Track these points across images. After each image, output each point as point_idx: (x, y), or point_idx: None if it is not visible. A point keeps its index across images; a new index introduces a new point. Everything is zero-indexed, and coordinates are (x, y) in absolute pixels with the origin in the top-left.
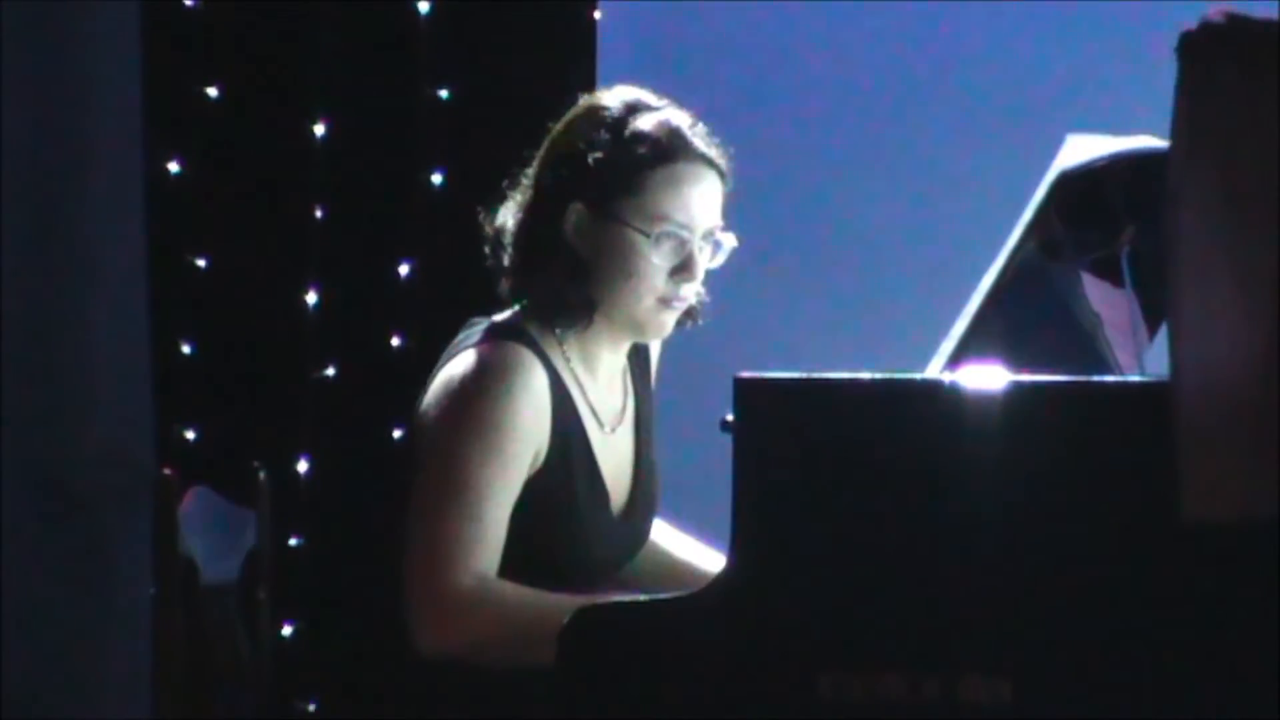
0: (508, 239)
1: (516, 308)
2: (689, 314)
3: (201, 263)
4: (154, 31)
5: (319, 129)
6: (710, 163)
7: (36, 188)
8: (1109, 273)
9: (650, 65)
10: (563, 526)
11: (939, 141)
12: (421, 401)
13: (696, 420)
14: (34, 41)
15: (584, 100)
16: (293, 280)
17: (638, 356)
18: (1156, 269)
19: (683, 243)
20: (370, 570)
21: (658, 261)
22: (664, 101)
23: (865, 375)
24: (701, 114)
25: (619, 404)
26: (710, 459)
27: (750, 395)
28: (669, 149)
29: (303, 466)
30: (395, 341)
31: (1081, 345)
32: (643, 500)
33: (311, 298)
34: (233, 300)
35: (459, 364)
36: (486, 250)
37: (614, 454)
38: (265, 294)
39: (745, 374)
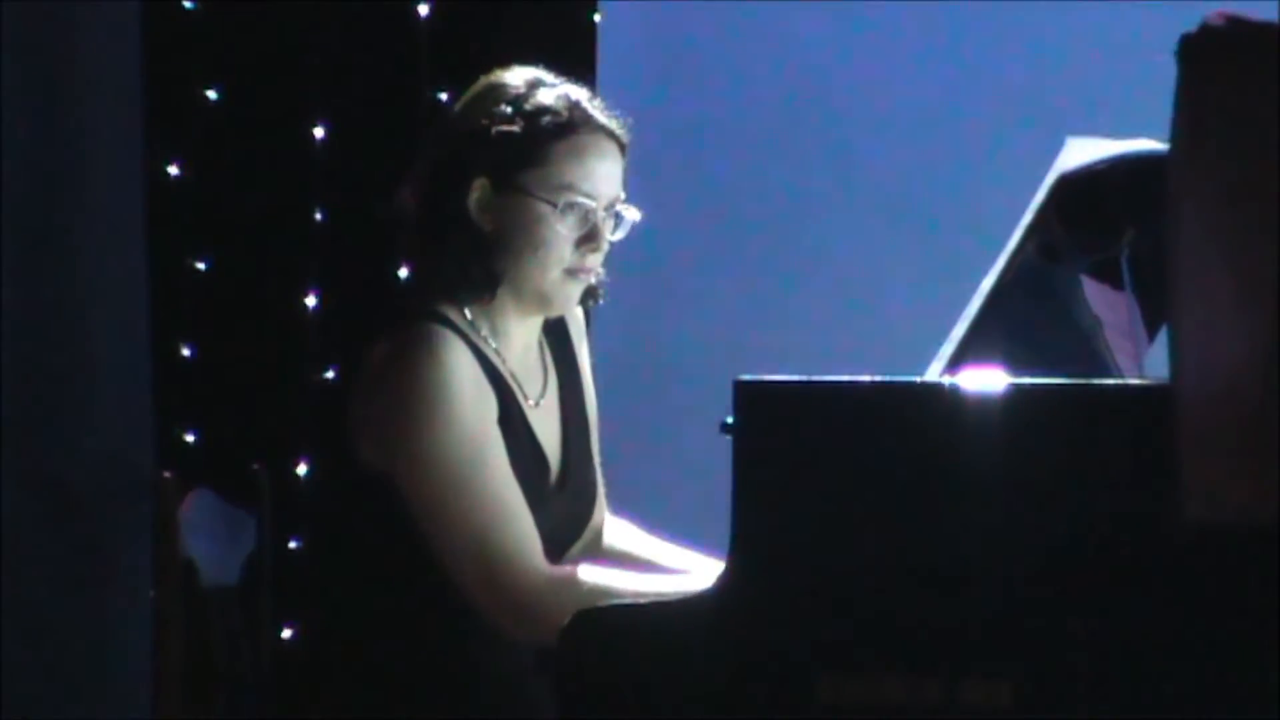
0: (408, 222)
1: (424, 290)
2: (591, 293)
3: (202, 265)
4: (154, 32)
5: (319, 130)
6: (611, 134)
7: (36, 189)
8: (1109, 276)
9: (650, 65)
10: None
11: (939, 143)
12: (365, 398)
13: (697, 422)
14: (34, 41)
15: (483, 80)
16: (293, 282)
17: (555, 336)
18: (1156, 272)
19: (588, 213)
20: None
21: (564, 232)
22: (562, 79)
23: (865, 378)
24: (701, 113)
25: (539, 378)
26: (710, 461)
27: (750, 398)
28: (571, 120)
29: (303, 468)
30: None
31: (1081, 348)
32: (576, 475)
33: (311, 300)
34: (233, 302)
35: (389, 366)
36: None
37: (541, 426)
38: (265, 296)
39: (745, 377)
